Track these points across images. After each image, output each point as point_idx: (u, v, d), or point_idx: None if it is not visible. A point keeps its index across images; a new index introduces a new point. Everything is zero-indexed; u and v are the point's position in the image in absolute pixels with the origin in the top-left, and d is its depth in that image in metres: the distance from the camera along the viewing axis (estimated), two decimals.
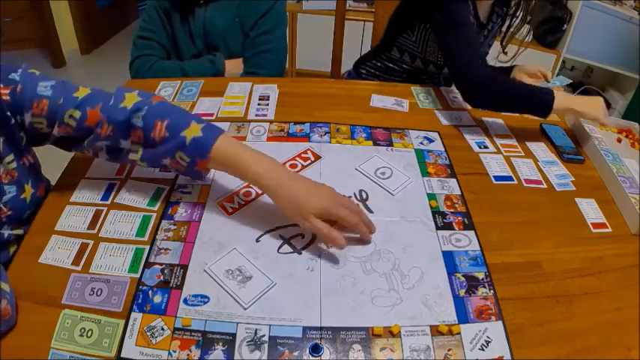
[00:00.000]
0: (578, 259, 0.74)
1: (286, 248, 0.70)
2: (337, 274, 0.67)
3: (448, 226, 0.76)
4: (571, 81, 1.36)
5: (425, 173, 0.88)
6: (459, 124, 1.05)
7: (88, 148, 0.72)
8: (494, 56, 1.29)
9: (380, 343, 0.59)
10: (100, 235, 0.70)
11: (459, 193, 0.83)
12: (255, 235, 0.72)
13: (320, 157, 0.89)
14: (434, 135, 0.99)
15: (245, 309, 0.61)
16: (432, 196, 0.82)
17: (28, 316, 0.59)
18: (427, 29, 1.23)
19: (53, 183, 0.81)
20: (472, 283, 0.67)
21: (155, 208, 0.75)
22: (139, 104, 0.69)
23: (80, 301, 0.61)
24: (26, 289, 0.61)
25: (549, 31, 2.62)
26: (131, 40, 1.25)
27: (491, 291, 0.66)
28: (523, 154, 0.97)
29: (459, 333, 0.60)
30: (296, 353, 0.57)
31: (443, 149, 0.95)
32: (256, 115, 1.01)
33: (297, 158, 0.88)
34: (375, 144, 0.95)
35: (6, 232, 0.69)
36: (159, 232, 0.71)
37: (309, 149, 0.91)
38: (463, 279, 0.67)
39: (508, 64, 1.28)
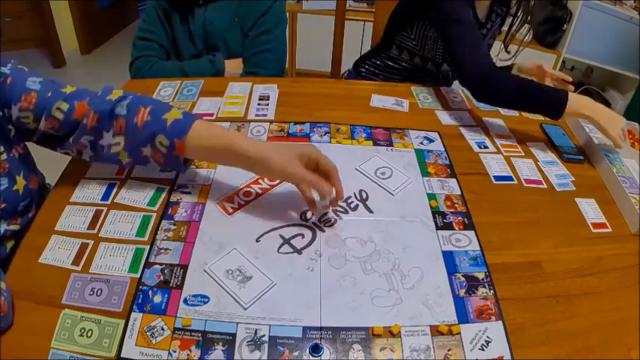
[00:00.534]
0: (578, 259, 0.74)
1: (286, 248, 0.70)
2: (337, 274, 0.67)
3: (448, 226, 0.76)
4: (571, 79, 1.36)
5: (425, 173, 0.88)
6: (459, 124, 1.05)
7: (73, 145, 0.72)
8: (495, 55, 1.29)
9: (380, 343, 0.59)
10: (100, 235, 0.70)
11: (459, 193, 0.83)
12: (255, 235, 0.72)
13: None
14: (434, 135, 0.99)
15: (245, 309, 0.61)
16: (432, 196, 0.82)
17: (28, 316, 0.59)
18: (425, 27, 1.23)
19: (53, 183, 0.81)
20: (472, 283, 0.67)
21: (155, 208, 0.75)
22: (124, 94, 0.72)
23: (80, 301, 0.61)
24: (26, 289, 0.61)
25: (549, 31, 2.62)
26: (131, 41, 1.25)
27: (491, 291, 0.66)
28: (523, 154, 0.97)
29: (459, 333, 0.60)
30: (296, 353, 0.57)
31: (443, 149, 0.95)
32: (256, 115, 1.01)
33: None
34: (375, 144, 0.95)
35: (2, 228, 0.68)
36: (159, 232, 0.71)
37: None
38: (463, 279, 0.67)
39: (507, 64, 1.28)
